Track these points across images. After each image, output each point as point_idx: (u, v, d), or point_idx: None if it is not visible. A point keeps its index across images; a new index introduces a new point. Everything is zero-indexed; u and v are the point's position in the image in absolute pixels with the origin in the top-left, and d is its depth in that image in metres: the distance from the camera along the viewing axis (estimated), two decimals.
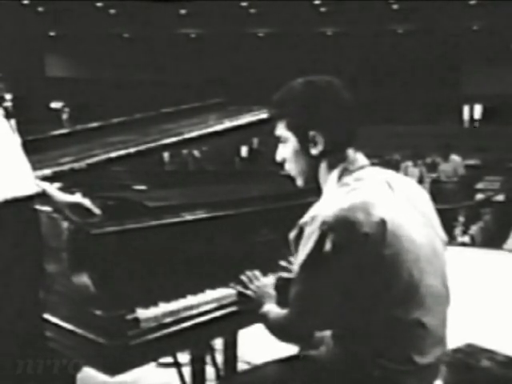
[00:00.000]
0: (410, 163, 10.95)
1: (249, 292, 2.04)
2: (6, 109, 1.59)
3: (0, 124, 1.57)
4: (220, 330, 2.09)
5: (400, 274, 1.65)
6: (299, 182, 1.90)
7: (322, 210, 1.66)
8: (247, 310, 2.01)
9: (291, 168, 1.89)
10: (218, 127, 2.72)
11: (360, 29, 20.73)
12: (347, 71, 18.17)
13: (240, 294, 2.05)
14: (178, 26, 22.33)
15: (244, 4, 20.91)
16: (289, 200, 2.56)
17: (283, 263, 2.29)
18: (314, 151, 1.79)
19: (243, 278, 2.07)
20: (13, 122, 1.67)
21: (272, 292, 2.03)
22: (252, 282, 2.06)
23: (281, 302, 1.93)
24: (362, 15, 20.21)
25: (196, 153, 13.41)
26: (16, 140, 1.63)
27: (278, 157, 1.90)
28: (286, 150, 1.87)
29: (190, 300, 1.93)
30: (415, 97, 20.81)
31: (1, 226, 1.51)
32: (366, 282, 1.63)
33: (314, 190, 1.88)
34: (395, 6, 20.40)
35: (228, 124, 2.75)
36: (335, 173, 1.78)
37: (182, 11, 21.65)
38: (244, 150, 14.86)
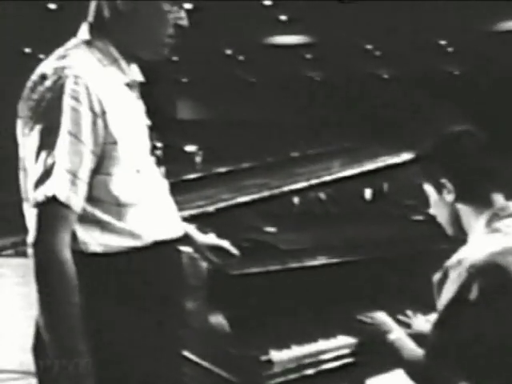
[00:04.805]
0: None
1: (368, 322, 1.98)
2: (157, 157, 1.71)
3: (154, 170, 1.69)
4: (351, 377, 2.07)
5: None
6: (448, 232, 1.88)
7: (470, 253, 1.61)
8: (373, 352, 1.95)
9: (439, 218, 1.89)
10: (345, 173, 2.76)
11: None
12: None
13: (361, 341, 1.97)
14: (302, 69, 22.60)
15: (369, 47, 20.74)
16: (417, 246, 2.52)
17: (402, 318, 2.20)
18: (449, 198, 1.78)
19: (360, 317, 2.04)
20: (163, 169, 1.79)
21: (393, 324, 1.95)
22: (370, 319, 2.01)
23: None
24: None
25: (322, 195, 13.43)
26: (165, 184, 1.75)
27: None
28: (431, 199, 1.88)
29: (322, 344, 1.93)
30: None
31: (148, 266, 1.60)
32: None
33: (446, 237, 1.86)
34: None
35: (354, 170, 2.78)
36: (483, 218, 1.73)
37: (308, 56, 21.84)
38: (368, 192, 14.68)
